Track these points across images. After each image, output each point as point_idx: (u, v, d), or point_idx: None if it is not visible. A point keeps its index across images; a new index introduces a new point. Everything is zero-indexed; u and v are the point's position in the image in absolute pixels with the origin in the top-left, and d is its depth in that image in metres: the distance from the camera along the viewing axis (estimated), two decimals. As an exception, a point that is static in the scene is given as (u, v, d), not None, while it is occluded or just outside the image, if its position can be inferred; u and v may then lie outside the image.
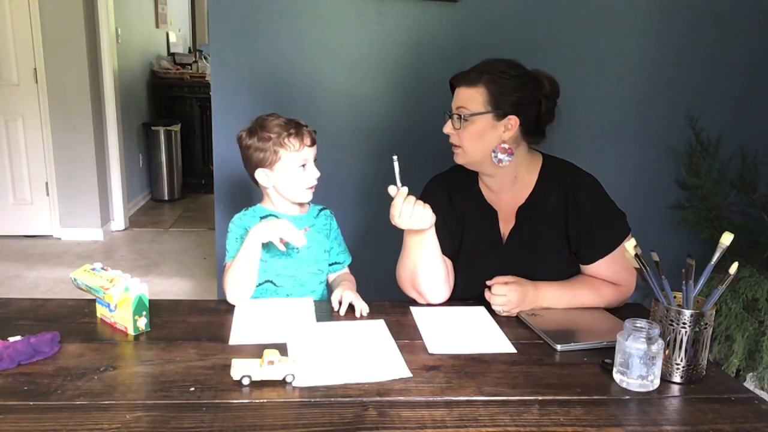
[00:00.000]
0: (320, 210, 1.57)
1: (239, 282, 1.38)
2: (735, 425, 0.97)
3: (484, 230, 1.50)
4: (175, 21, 6.11)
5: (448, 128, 1.44)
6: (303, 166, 1.45)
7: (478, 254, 1.50)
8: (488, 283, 1.39)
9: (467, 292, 1.48)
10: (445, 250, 1.47)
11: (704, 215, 2.47)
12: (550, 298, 1.40)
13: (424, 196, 1.55)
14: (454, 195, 1.53)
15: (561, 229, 1.46)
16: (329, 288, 1.55)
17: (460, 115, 1.41)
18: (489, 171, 1.47)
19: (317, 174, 1.48)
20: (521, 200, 1.48)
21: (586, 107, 2.49)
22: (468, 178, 1.53)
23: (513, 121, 1.40)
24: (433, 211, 1.42)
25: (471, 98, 1.40)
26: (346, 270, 1.59)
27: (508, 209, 1.49)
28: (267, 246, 1.44)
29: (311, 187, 1.48)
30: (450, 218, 1.51)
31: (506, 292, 1.35)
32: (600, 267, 1.44)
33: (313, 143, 1.46)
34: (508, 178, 1.47)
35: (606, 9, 2.43)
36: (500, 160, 1.41)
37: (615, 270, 1.42)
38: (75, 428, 0.89)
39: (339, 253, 1.57)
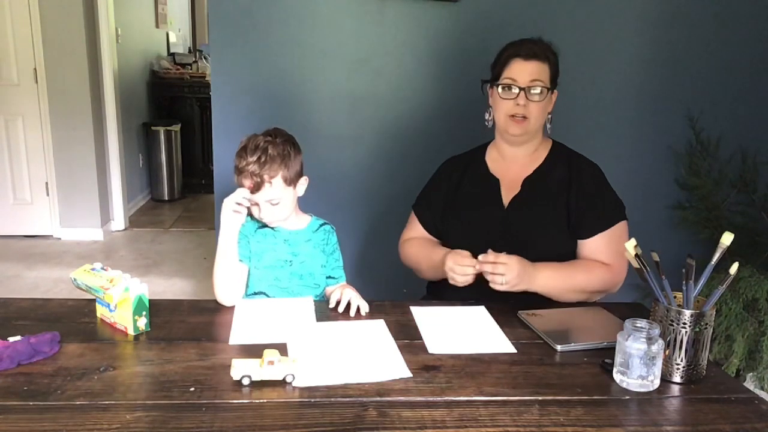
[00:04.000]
0: (321, 225, 1.56)
1: (221, 277, 1.38)
2: (735, 425, 0.97)
3: (485, 197, 1.57)
4: (175, 21, 6.11)
5: (523, 99, 1.48)
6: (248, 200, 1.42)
7: (478, 218, 1.56)
8: (484, 258, 1.36)
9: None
10: (431, 230, 1.65)
11: (704, 215, 2.47)
12: (547, 276, 1.41)
13: (434, 173, 1.70)
14: (456, 169, 1.64)
15: (562, 202, 1.51)
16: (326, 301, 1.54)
17: (547, 88, 1.49)
18: (525, 141, 1.56)
19: (267, 216, 1.43)
20: (528, 172, 1.56)
21: (586, 107, 2.50)
22: (476, 154, 1.65)
23: (555, 95, 1.54)
24: (429, 190, 1.66)
25: (543, 72, 1.49)
26: (344, 284, 1.58)
27: (514, 179, 1.56)
28: (261, 256, 1.45)
29: (261, 220, 1.45)
30: (439, 197, 1.63)
31: (507, 261, 1.35)
32: (598, 243, 1.48)
33: (254, 190, 1.39)
34: (529, 150, 1.58)
35: (606, 9, 2.43)
36: (548, 130, 1.56)
37: (613, 249, 1.46)
38: (75, 428, 0.89)
39: (335, 268, 1.56)
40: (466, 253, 1.39)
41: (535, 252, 1.42)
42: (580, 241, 1.52)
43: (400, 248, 1.68)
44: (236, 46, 2.34)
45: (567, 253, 1.51)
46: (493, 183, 1.58)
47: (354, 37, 2.38)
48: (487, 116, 1.58)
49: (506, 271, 1.34)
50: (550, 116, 1.54)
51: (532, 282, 1.39)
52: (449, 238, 1.60)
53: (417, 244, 1.64)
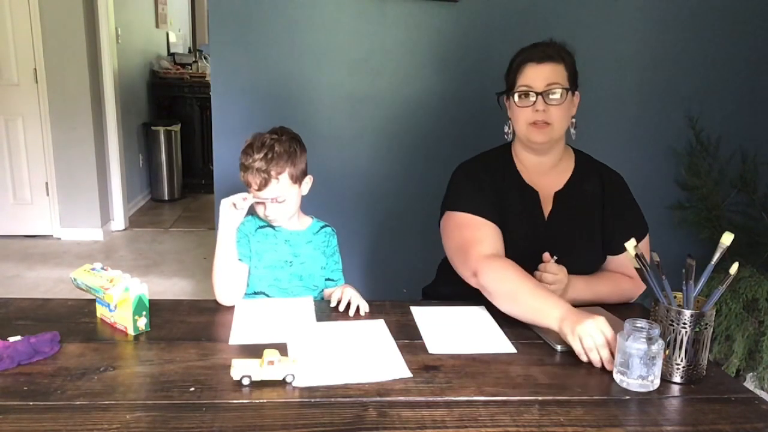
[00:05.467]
0: (322, 227, 1.56)
1: (221, 276, 1.39)
2: (735, 425, 0.97)
3: (526, 209, 1.49)
4: (175, 21, 6.11)
5: (542, 105, 1.40)
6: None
7: (521, 232, 1.48)
8: (542, 265, 1.38)
9: None
10: (494, 218, 1.45)
11: (704, 215, 2.48)
12: (577, 290, 1.41)
13: (461, 176, 1.52)
14: (494, 174, 1.50)
15: (597, 219, 1.49)
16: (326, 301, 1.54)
17: (566, 89, 1.41)
18: (549, 148, 1.48)
19: (272, 214, 1.43)
20: (559, 185, 1.50)
21: (586, 107, 2.48)
22: (503, 160, 1.53)
23: (577, 97, 1.46)
24: (480, 186, 1.46)
25: (560, 74, 1.41)
26: (345, 284, 1.58)
27: (545, 192, 1.50)
28: (262, 256, 1.46)
29: (267, 219, 1.45)
30: (493, 193, 1.48)
31: (558, 272, 1.36)
32: (627, 258, 1.45)
33: (261, 187, 1.40)
34: (554, 159, 1.51)
35: (606, 9, 2.43)
36: (573, 135, 1.48)
37: None
38: (75, 428, 0.89)
39: (334, 271, 1.56)
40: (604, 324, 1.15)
41: (570, 267, 1.40)
42: (609, 256, 1.51)
43: (484, 265, 1.36)
44: (236, 46, 2.34)
45: (597, 268, 1.52)
46: (533, 195, 1.49)
47: (354, 37, 2.38)
48: (506, 129, 1.50)
49: (555, 281, 1.36)
50: (573, 120, 1.46)
51: (564, 294, 1.38)
52: None
53: (519, 274, 1.32)
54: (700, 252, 1.15)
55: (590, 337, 1.13)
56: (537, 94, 1.40)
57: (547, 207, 1.49)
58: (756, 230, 2.40)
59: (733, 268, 1.09)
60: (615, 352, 1.09)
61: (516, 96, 1.43)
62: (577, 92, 1.45)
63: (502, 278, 1.33)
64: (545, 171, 1.51)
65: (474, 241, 1.42)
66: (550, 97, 1.40)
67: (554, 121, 1.41)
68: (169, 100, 5.35)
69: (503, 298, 1.33)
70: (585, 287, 1.43)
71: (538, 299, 1.26)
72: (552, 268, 1.36)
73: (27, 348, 1.07)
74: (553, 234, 1.47)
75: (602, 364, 1.13)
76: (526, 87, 1.41)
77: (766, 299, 2.05)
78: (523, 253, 1.42)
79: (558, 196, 1.49)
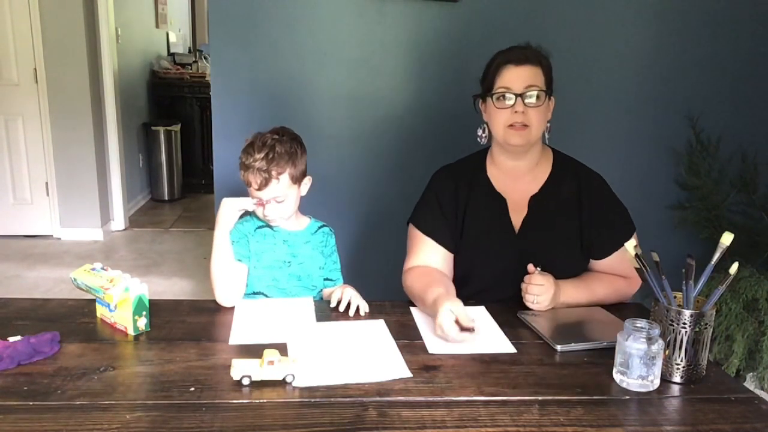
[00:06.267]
0: (320, 227, 1.56)
1: (219, 276, 1.39)
2: (735, 425, 0.97)
3: (494, 219, 1.48)
4: (175, 21, 6.11)
5: (520, 106, 1.40)
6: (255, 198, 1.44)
7: (489, 243, 1.48)
8: (527, 277, 1.37)
9: (481, 281, 1.47)
10: (447, 245, 1.48)
11: (704, 215, 2.48)
12: (570, 295, 1.40)
13: (430, 186, 1.56)
14: (462, 183, 1.51)
15: (574, 220, 1.47)
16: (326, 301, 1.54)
17: (544, 91, 1.41)
18: (526, 151, 1.47)
19: (271, 214, 1.43)
20: (534, 190, 1.49)
21: (586, 107, 2.50)
22: (476, 167, 1.53)
23: (553, 102, 1.45)
24: (438, 201, 1.46)
25: (538, 77, 1.41)
26: (344, 284, 1.58)
27: (520, 198, 1.49)
28: (260, 256, 1.46)
29: (265, 218, 1.46)
30: (451, 210, 1.50)
31: (544, 282, 1.34)
32: (614, 260, 1.45)
33: (262, 186, 1.40)
34: (532, 163, 1.49)
35: (606, 9, 2.43)
36: (546, 139, 1.46)
37: (629, 264, 1.41)
38: (75, 428, 0.89)
39: (332, 270, 1.56)
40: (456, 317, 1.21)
41: (550, 273, 1.39)
42: (594, 260, 1.49)
43: (403, 278, 1.49)
44: (236, 46, 2.34)
45: (579, 271, 1.49)
46: (501, 203, 1.48)
47: (354, 37, 2.38)
48: (480, 132, 1.49)
49: (542, 292, 1.34)
50: (549, 125, 1.45)
51: (557, 301, 1.38)
52: (458, 262, 1.51)
53: (416, 276, 1.44)
54: (700, 252, 1.15)
55: (443, 327, 1.20)
56: (516, 95, 1.39)
57: (521, 214, 1.48)
58: (756, 230, 2.40)
59: (733, 268, 1.09)
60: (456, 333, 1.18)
61: (494, 98, 1.42)
62: (552, 97, 1.44)
63: (409, 289, 1.44)
64: (521, 175, 1.50)
65: (408, 255, 1.52)
66: (528, 99, 1.39)
67: (532, 123, 1.40)
68: (169, 100, 5.35)
69: (418, 305, 1.39)
70: (576, 291, 1.41)
71: (423, 298, 1.33)
72: (537, 280, 1.35)
73: (27, 348, 1.07)
74: (526, 242, 1.46)
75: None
76: (504, 89, 1.40)
77: (766, 299, 2.05)
78: (498, 263, 1.42)
79: (533, 200, 1.48)
